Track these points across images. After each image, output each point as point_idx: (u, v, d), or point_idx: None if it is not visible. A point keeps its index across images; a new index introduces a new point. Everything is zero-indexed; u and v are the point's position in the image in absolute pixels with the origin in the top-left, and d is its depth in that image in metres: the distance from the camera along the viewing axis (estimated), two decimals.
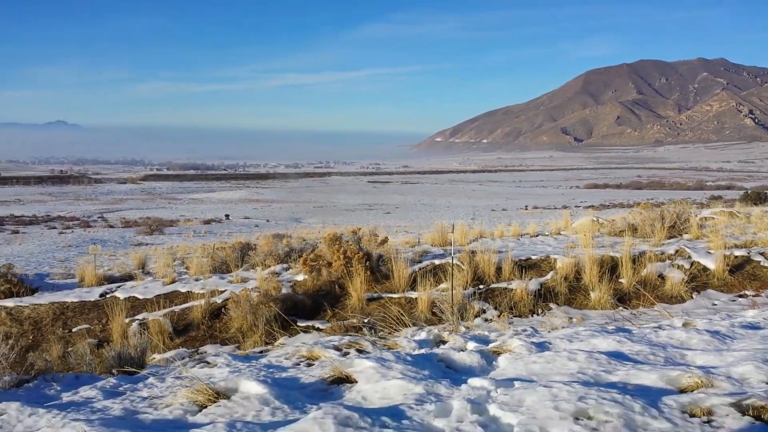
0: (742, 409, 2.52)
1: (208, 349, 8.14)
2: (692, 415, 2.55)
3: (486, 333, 4.65)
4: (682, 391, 2.83)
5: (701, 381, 2.88)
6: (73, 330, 8.95)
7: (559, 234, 13.67)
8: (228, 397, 3.09)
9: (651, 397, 2.68)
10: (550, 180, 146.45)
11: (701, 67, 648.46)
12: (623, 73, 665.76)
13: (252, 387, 3.13)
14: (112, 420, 2.87)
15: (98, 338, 8.52)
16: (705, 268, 8.80)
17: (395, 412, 2.73)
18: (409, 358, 3.51)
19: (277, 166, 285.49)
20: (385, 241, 10.91)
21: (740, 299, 7.94)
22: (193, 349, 8.22)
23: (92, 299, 9.74)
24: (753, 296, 7.93)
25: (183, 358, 7.82)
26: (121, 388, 3.61)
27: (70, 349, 7.74)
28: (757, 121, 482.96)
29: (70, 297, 9.86)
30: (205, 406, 3.05)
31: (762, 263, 8.76)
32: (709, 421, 2.49)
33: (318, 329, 8.41)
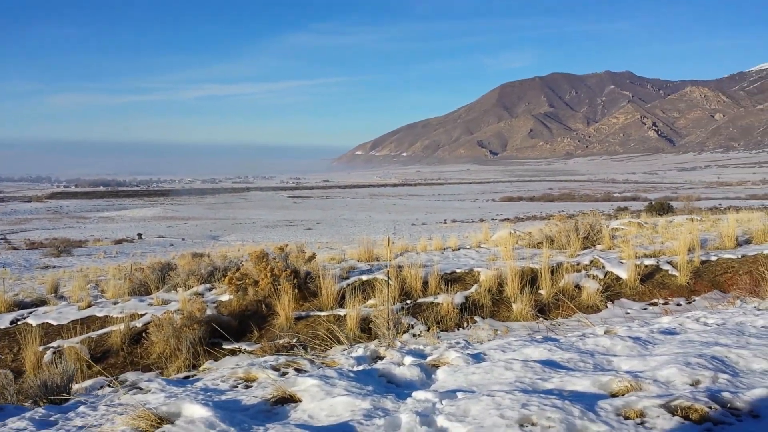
0: (671, 410, 2.72)
1: (129, 376, 7.82)
2: (626, 418, 2.72)
3: (421, 347, 4.74)
4: (614, 395, 3.01)
5: (631, 385, 3.07)
6: None
7: (480, 247, 14.02)
8: (172, 422, 3.01)
9: (587, 401, 2.84)
10: (467, 193, 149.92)
11: (609, 80, 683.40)
12: (536, 86, 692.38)
13: (196, 410, 3.07)
14: None
15: (10, 368, 8.02)
16: (618, 278, 9.28)
17: (346, 429, 2.75)
18: (351, 374, 3.54)
19: (194, 181, 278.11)
20: (312, 257, 10.86)
21: (651, 307, 8.42)
22: (112, 377, 7.88)
23: (2, 327, 9.18)
24: (663, 304, 8.42)
25: (102, 387, 7.49)
26: (52, 418, 3.44)
27: None
28: (660, 133, 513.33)
29: None
30: None
31: (670, 272, 9.32)
32: (642, 423, 2.66)
33: (246, 351, 8.24)
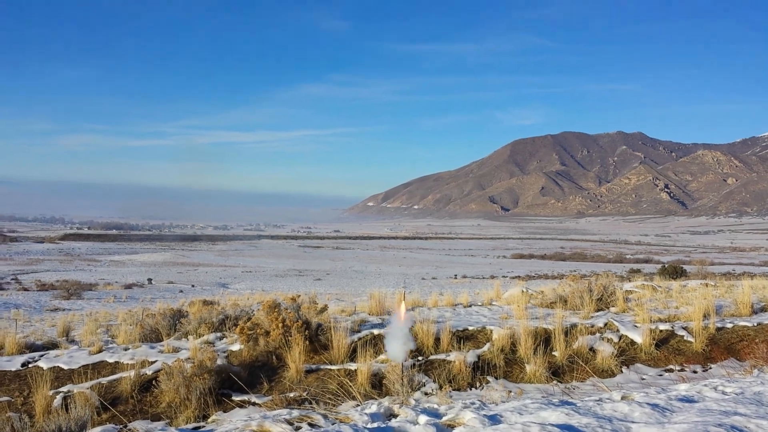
0: None
1: (139, 425, 7.77)
2: None
3: (435, 406, 4.71)
4: None
5: None
6: None
7: (492, 304, 13.96)
8: None
9: None
10: (478, 248, 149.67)
11: (621, 140, 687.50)
12: (548, 143, 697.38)
13: None
14: None
15: (20, 411, 8.00)
16: (633, 342, 9.19)
17: None
18: (366, 431, 3.54)
19: (205, 227, 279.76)
20: (324, 309, 10.85)
21: (667, 373, 8.32)
22: (121, 426, 7.82)
23: (13, 369, 9.18)
24: (679, 371, 8.32)
25: None
26: None
27: None
28: (672, 195, 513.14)
29: None
30: None
31: (686, 338, 9.23)
32: None
33: (255, 404, 8.18)
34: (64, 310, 28.92)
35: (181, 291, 44.05)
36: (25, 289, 42.48)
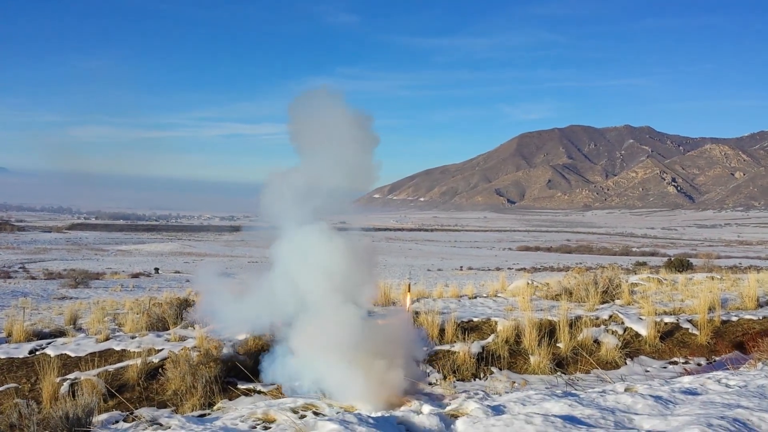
0: None
1: (145, 412, 7.83)
2: None
3: (439, 395, 4.74)
4: None
5: None
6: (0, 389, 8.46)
7: (497, 296, 13.98)
8: None
9: None
10: (484, 241, 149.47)
11: (628, 134, 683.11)
12: (555, 137, 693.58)
13: None
14: None
15: (27, 398, 8.07)
16: (637, 334, 9.19)
17: None
18: (371, 420, 3.56)
19: (212, 218, 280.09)
20: None
21: (671, 366, 8.33)
22: (128, 413, 7.88)
23: (21, 356, 9.26)
24: (683, 363, 8.32)
25: (117, 422, 7.50)
26: None
27: None
28: (679, 189, 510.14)
29: None
30: None
31: (690, 330, 9.23)
32: None
33: (260, 392, 8.23)
34: (71, 298, 29.06)
35: (188, 281, 44.19)
36: (33, 278, 42.73)
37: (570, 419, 3.66)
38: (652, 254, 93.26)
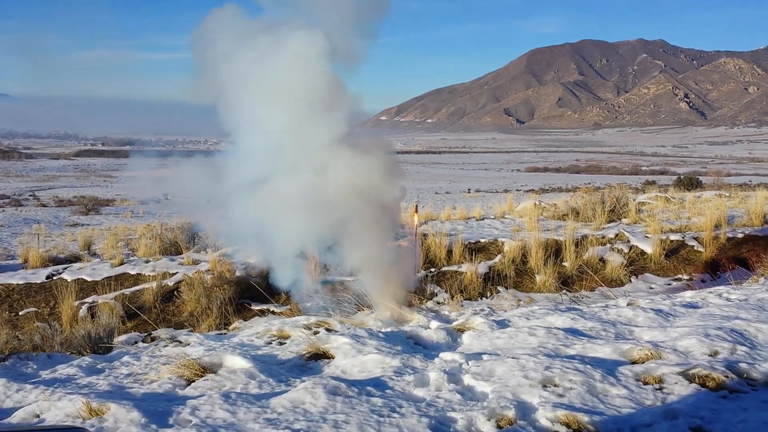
0: (689, 377, 2.85)
1: (162, 332, 8.10)
2: (645, 383, 2.86)
3: (446, 313, 4.89)
4: (634, 363, 3.14)
5: (651, 353, 3.19)
6: (20, 313, 8.76)
7: (504, 217, 14.09)
8: (214, 372, 3.21)
9: (608, 367, 2.97)
10: (492, 162, 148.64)
11: (641, 48, 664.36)
12: (566, 52, 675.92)
13: (237, 362, 3.27)
14: (105, 393, 2.96)
15: (47, 321, 8.36)
16: (643, 252, 9.31)
17: (378, 383, 2.93)
18: (381, 334, 3.71)
19: (219, 143, 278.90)
20: None
21: (676, 283, 8.48)
22: (146, 333, 8.16)
23: (38, 281, 9.51)
24: (688, 280, 8.47)
25: (136, 342, 7.80)
26: (98, 366, 3.67)
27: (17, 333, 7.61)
28: (691, 105, 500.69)
29: (15, 279, 9.59)
30: (193, 381, 3.17)
31: (696, 248, 9.34)
32: (660, 388, 2.80)
33: (273, 312, 8.49)
34: (83, 225, 29.43)
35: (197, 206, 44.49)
36: (44, 205, 43.18)
37: (572, 331, 3.80)
38: (662, 173, 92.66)
